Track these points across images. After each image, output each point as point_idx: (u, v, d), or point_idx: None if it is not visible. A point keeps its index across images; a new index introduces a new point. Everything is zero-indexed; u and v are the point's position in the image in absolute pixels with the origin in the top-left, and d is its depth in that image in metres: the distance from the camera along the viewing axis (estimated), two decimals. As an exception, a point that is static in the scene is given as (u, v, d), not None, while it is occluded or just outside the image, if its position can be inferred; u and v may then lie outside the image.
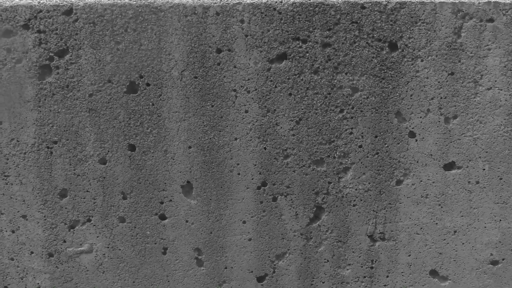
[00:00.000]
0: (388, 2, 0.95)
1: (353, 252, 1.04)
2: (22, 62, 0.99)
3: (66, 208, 1.04)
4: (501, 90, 0.97)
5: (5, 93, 1.00)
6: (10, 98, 1.01)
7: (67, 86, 1.00)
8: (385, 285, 1.04)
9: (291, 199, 1.02)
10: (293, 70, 0.98)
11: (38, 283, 1.06)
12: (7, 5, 0.98)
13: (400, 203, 1.02)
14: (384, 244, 1.03)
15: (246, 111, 0.99)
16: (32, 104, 1.00)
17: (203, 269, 1.05)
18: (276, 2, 0.96)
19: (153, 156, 1.01)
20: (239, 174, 1.01)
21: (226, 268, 1.05)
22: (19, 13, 0.98)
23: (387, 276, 1.04)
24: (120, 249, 1.04)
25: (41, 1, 0.98)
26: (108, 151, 1.01)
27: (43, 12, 0.98)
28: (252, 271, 1.05)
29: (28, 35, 0.98)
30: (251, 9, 0.96)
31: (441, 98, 0.98)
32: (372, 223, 1.02)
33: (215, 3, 0.96)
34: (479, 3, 0.95)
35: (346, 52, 0.97)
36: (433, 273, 1.05)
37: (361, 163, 1.00)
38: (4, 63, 0.99)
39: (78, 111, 1.00)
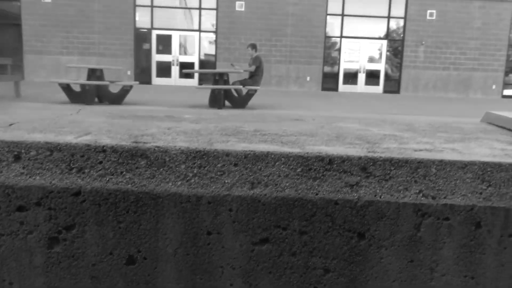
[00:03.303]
0: (358, 199, 1.09)
1: None
2: (34, 233, 1.11)
3: None
4: (453, 276, 1.12)
5: (17, 259, 1.12)
6: (21, 263, 1.13)
7: (73, 256, 1.12)
8: None
9: None
10: (274, 252, 1.11)
11: None
12: (21, 184, 1.10)
13: None
14: None
15: (231, 285, 1.13)
16: (41, 270, 1.13)
17: None
18: (261, 195, 1.09)
19: (147, 319, 1.14)
20: (223, 337, 1.15)
21: None
22: (32, 192, 1.10)
23: None
24: None
25: (52, 182, 1.11)
26: (107, 312, 1.14)
27: (54, 192, 1.10)
28: None
29: (39, 211, 1.11)
30: (239, 200, 1.09)
31: (402, 281, 1.12)
32: None
33: (207, 193, 1.09)
34: (437, 204, 1.09)
35: (320, 239, 1.11)
36: None
37: (331, 332, 1.14)
38: (17, 233, 1.11)
39: (81, 278, 1.13)
